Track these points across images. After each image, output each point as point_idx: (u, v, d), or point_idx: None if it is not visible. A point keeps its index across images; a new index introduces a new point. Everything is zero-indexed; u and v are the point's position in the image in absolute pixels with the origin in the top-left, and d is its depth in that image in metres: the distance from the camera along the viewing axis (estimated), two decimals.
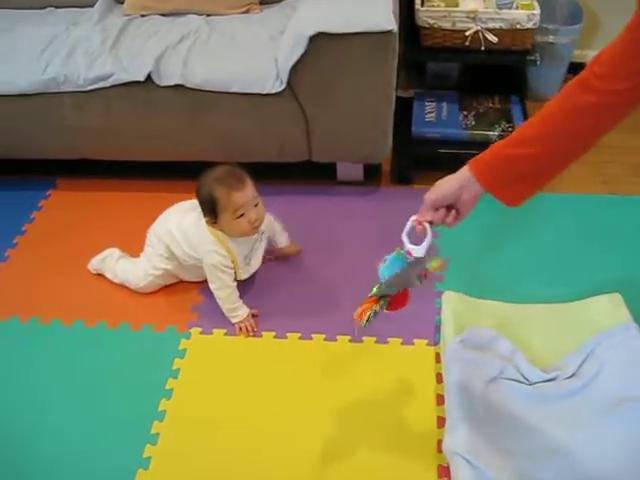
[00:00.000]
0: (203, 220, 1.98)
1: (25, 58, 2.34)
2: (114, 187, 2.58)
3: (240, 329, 2.03)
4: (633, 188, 2.48)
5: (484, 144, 2.36)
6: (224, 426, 1.81)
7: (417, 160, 2.51)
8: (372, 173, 2.53)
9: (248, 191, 1.92)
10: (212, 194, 1.90)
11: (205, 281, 2.09)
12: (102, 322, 2.09)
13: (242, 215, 1.91)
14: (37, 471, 1.74)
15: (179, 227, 2.05)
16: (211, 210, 1.93)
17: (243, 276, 2.07)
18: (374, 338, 1.99)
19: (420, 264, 1.49)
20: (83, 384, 1.94)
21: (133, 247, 2.31)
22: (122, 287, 2.20)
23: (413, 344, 1.96)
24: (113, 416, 1.85)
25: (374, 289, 1.51)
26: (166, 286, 2.18)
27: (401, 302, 1.56)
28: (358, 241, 2.31)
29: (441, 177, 2.44)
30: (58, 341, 2.06)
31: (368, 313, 1.51)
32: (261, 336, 2.02)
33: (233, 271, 2.01)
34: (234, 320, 2.04)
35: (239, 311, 2.03)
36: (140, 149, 2.43)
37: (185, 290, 2.16)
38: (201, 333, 2.04)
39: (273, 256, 2.25)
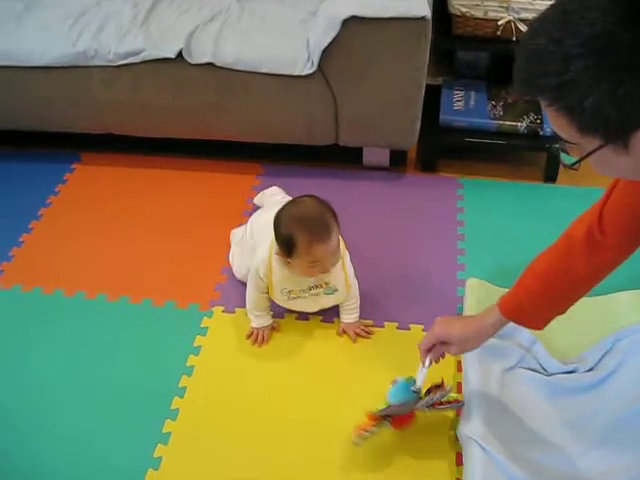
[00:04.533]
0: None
1: (56, 30, 2.34)
2: (139, 163, 2.59)
3: (251, 334, 1.96)
4: None
5: (512, 134, 2.42)
6: (244, 403, 1.82)
7: (443, 148, 2.51)
8: (398, 159, 2.53)
9: (332, 243, 1.75)
10: (292, 237, 1.74)
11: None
12: (125, 297, 2.10)
13: (316, 264, 1.78)
14: (57, 440, 1.76)
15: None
16: (287, 250, 1.77)
17: (278, 302, 1.96)
18: (395, 324, 1.99)
19: (426, 396, 1.62)
20: (105, 357, 1.95)
21: (154, 224, 2.35)
22: (146, 262, 2.21)
23: None
24: (133, 390, 1.86)
25: (379, 407, 1.61)
26: (189, 264, 2.19)
27: (406, 420, 1.67)
28: (382, 226, 2.31)
29: (466, 166, 2.50)
30: (81, 314, 2.07)
31: (366, 433, 1.61)
32: (283, 317, 2.03)
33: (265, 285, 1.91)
34: (251, 323, 1.97)
35: (258, 319, 1.95)
36: (167, 126, 2.44)
37: (209, 268, 2.16)
38: (223, 311, 2.05)
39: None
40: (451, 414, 1.76)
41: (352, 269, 1.94)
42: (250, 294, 1.94)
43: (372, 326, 1.98)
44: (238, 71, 2.22)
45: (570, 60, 0.89)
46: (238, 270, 2.10)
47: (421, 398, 1.61)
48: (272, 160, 2.56)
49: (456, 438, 1.69)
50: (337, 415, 1.78)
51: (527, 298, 1.48)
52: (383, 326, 1.99)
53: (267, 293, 1.92)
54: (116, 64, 2.27)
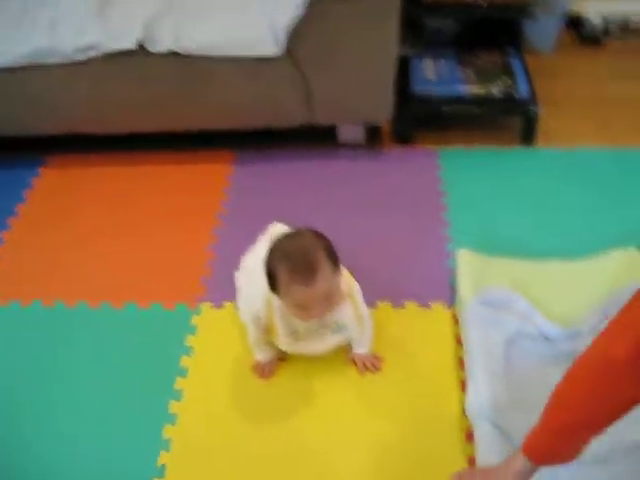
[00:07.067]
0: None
1: (5, 29, 2.21)
2: (107, 162, 2.50)
3: (256, 367, 1.83)
4: None
5: (487, 100, 2.37)
6: (244, 400, 1.78)
7: (418, 119, 2.47)
8: (373, 135, 2.48)
9: (317, 288, 1.50)
10: (274, 272, 1.54)
11: (213, 252, 2.09)
12: (106, 303, 2.03)
13: (304, 308, 1.56)
14: (57, 443, 1.72)
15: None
16: (272, 285, 1.57)
17: (282, 347, 1.77)
18: (389, 302, 1.95)
19: None
20: (95, 365, 1.88)
21: (129, 223, 2.28)
22: (124, 265, 2.14)
23: (429, 307, 1.94)
24: (128, 398, 1.80)
25: None
26: (171, 262, 2.13)
27: None
28: (363, 203, 2.27)
29: (442, 135, 2.47)
30: (62, 324, 1.99)
31: None
32: None
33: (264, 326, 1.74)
34: (255, 356, 1.82)
35: (263, 352, 1.80)
36: (132, 120, 2.34)
37: (191, 264, 2.11)
38: (212, 307, 1.99)
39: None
40: (454, 388, 1.74)
41: (362, 300, 1.75)
42: (251, 331, 1.78)
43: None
44: (202, 57, 2.14)
45: None
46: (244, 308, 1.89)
47: None
48: (243, 147, 2.49)
49: (464, 415, 1.67)
50: (336, 400, 1.76)
51: (562, 434, 1.28)
52: (376, 305, 1.95)
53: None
54: (75, 59, 2.17)
